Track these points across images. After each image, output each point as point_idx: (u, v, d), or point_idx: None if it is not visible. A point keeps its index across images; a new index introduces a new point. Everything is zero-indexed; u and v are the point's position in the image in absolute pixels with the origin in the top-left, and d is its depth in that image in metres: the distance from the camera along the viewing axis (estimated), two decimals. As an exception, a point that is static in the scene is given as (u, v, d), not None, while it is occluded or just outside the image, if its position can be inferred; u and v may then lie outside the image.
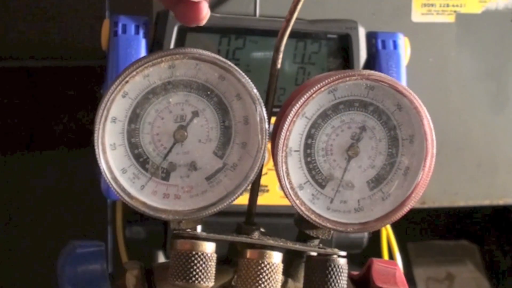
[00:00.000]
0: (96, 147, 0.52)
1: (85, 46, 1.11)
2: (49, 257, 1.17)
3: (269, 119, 0.55)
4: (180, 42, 0.79)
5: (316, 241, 0.59)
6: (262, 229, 0.59)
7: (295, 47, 0.81)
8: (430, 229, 1.22)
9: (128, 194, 0.54)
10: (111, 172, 0.54)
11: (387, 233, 0.91)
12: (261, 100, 0.54)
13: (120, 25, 0.78)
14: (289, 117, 0.54)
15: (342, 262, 0.56)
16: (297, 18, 0.82)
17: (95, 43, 0.81)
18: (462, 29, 0.90)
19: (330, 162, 0.56)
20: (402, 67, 0.82)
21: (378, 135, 0.56)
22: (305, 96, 0.53)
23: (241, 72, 0.53)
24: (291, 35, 0.80)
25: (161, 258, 0.97)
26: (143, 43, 0.77)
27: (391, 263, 0.62)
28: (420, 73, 0.89)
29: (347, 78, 0.53)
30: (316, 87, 0.53)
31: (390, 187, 0.57)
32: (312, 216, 0.56)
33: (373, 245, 0.89)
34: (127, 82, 0.52)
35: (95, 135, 0.52)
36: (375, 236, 0.90)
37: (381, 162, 0.57)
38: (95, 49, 0.83)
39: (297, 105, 0.53)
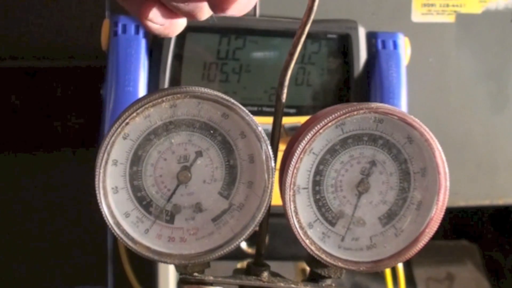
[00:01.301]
0: (97, 192, 0.51)
1: (85, 46, 1.11)
2: (50, 257, 1.17)
3: (275, 155, 0.53)
4: (180, 42, 0.79)
5: (328, 281, 0.57)
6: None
7: (295, 47, 0.81)
8: (430, 229, 1.22)
9: (132, 239, 0.53)
10: (114, 217, 0.52)
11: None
12: (266, 138, 0.52)
13: (120, 25, 0.78)
14: (296, 154, 0.52)
15: None
16: (296, 18, 0.82)
17: (95, 43, 0.80)
18: (462, 29, 0.90)
19: (340, 198, 0.55)
20: (402, 67, 0.82)
21: (388, 169, 0.55)
22: (312, 132, 0.52)
23: (244, 109, 0.52)
24: (291, 35, 0.81)
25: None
26: (143, 43, 0.77)
27: None
28: (420, 73, 0.89)
29: (355, 112, 0.52)
30: (323, 122, 0.52)
31: (403, 223, 0.56)
32: (323, 256, 0.54)
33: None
34: (127, 123, 0.50)
35: (96, 179, 0.50)
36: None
37: (392, 197, 0.55)
38: (95, 49, 0.83)
39: (304, 141, 0.52)
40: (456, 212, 1.19)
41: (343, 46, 0.81)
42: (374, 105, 0.52)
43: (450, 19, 0.90)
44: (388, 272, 0.92)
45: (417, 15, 0.89)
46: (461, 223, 1.25)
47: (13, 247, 1.21)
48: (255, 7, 0.83)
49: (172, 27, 0.50)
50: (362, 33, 0.82)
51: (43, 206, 1.21)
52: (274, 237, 0.81)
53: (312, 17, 0.51)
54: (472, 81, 0.92)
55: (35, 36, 1.17)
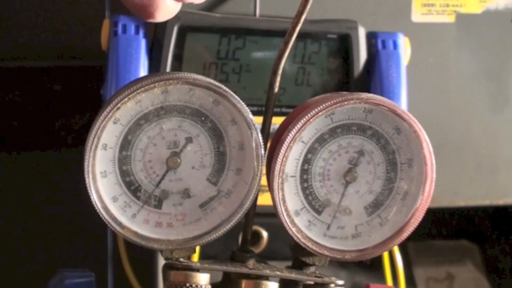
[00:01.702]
0: (86, 176, 0.51)
1: (85, 46, 1.11)
2: (49, 257, 1.17)
3: (265, 144, 0.53)
4: (180, 42, 0.79)
5: (313, 268, 0.58)
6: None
7: (295, 47, 0.81)
8: (430, 229, 1.22)
9: (119, 224, 0.53)
10: (102, 201, 0.52)
11: (387, 233, 0.91)
12: (256, 126, 0.52)
13: (120, 25, 0.78)
14: (285, 143, 0.52)
15: None
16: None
17: (95, 43, 0.80)
18: (462, 29, 0.90)
19: (327, 187, 0.55)
20: (402, 67, 0.82)
21: (376, 159, 0.55)
22: (302, 121, 0.52)
23: (236, 97, 0.52)
24: (291, 35, 0.81)
25: (160, 257, 0.96)
26: (143, 43, 0.77)
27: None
28: (420, 73, 0.89)
29: (345, 102, 0.52)
30: (314, 112, 0.52)
31: (388, 213, 0.56)
32: (309, 244, 0.55)
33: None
34: (118, 108, 0.51)
35: (85, 163, 0.51)
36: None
37: (379, 187, 0.56)
38: (95, 49, 0.83)
39: (294, 130, 0.52)
40: (456, 212, 1.19)
41: (343, 46, 0.81)
42: (364, 95, 0.53)
43: (450, 19, 0.90)
44: (388, 272, 0.92)
45: (417, 15, 0.89)
46: (461, 223, 1.25)
47: (12, 247, 1.21)
48: (255, 7, 0.83)
49: (152, 1, 0.48)
50: (362, 33, 0.82)
51: (42, 206, 1.21)
52: (274, 237, 0.81)
53: (309, 5, 0.51)
54: (472, 81, 0.92)
55: (34, 36, 1.16)
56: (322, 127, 0.54)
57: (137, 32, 0.78)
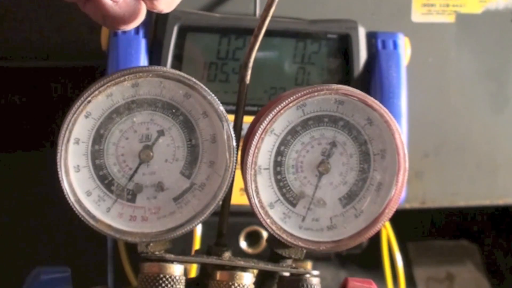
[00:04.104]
0: (59, 170, 0.51)
1: (85, 46, 1.11)
2: (49, 256, 1.17)
3: (238, 136, 0.54)
4: (180, 42, 0.79)
5: (289, 261, 0.58)
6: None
7: (295, 47, 0.81)
8: (430, 229, 1.22)
9: (93, 217, 0.53)
10: (75, 194, 0.53)
11: (387, 233, 0.91)
12: (227, 118, 0.53)
13: (120, 25, 0.78)
14: (257, 134, 0.53)
15: (315, 281, 0.56)
16: (296, 18, 0.82)
17: (95, 43, 0.80)
18: (462, 29, 0.90)
19: (300, 179, 0.56)
20: (402, 67, 0.82)
21: (349, 150, 0.56)
22: (273, 113, 0.53)
23: (206, 89, 0.52)
24: (291, 35, 0.81)
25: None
26: (143, 43, 0.78)
27: (366, 281, 0.60)
28: (420, 73, 0.89)
29: (316, 93, 0.53)
30: (284, 103, 0.53)
31: (362, 204, 0.57)
32: (284, 236, 0.55)
33: (373, 246, 0.89)
34: (89, 101, 0.51)
35: (58, 157, 0.51)
36: (375, 236, 0.89)
37: (353, 178, 0.56)
38: (95, 49, 0.83)
39: (265, 121, 0.53)
40: (456, 212, 1.19)
41: (343, 46, 0.82)
42: (334, 86, 0.54)
43: (450, 19, 0.90)
44: (388, 272, 0.92)
45: (417, 15, 0.89)
46: (461, 223, 1.25)
47: (12, 246, 1.21)
48: (255, 7, 0.83)
49: (127, 7, 0.48)
50: (362, 33, 0.82)
51: (42, 205, 1.21)
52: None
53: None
54: (472, 81, 0.92)
55: (35, 36, 1.17)
56: (294, 119, 0.54)
57: (137, 32, 0.78)
